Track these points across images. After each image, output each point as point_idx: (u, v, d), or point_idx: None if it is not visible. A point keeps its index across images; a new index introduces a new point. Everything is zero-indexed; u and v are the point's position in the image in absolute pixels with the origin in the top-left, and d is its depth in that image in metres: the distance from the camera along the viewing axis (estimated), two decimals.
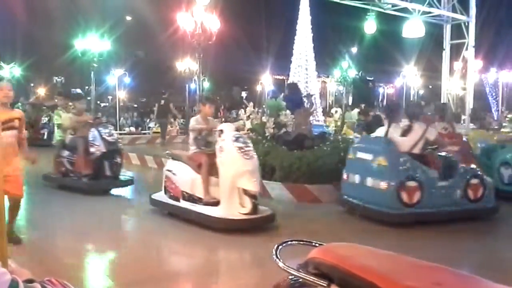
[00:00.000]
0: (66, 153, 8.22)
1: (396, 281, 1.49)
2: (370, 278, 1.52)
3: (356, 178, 6.41)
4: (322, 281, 1.66)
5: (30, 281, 1.27)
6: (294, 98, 10.23)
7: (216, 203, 5.55)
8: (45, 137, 15.61)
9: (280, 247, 1.95)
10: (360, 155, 6.48)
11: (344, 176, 6.69)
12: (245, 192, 5.39)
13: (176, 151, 7.39)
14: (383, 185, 5.94)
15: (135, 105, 35.54)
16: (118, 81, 28.01)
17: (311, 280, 1.70)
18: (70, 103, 8.87)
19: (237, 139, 5.60)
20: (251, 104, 10.89)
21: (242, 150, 5.51)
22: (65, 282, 1.29)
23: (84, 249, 5.01)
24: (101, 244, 5.24)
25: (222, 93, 37.31)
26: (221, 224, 5.33)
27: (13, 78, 30.51)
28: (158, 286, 4.02)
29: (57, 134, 8.59)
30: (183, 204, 5.93)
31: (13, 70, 30.29)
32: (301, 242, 2.06)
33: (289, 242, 2.04)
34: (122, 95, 33.11)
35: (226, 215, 5.37)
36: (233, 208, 5.38)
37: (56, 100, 12.03)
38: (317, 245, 1.97)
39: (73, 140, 8.12)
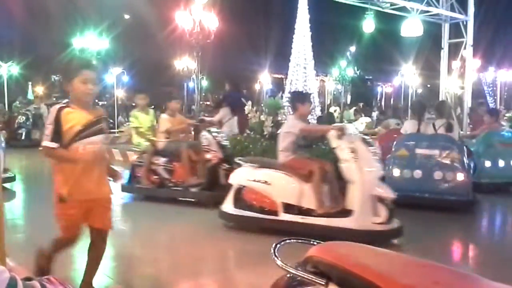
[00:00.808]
0: (161, 160, 7.27)
1: (394, 279, 1.49)
2: (369, 277, 1.52)
3: (417, 173, 6.84)
4: (320, 280, 1.66)
5: (28, 279, 1.27)
6: (234, 96, 10.23)
7: (337, 214, 5.06)
8: (23, 137, 15.27)
9: (278, 245, 1.95)
10: (421, 151, 6.93)
11: (395, 173, 6.94)
12: (380, 199, 4.98)
13: (263, 158, 6.42)
14: (460, 176, 6.66)
15: (133, 104, 35.47)
16: (116, 80, 28.00)
17: (309, 278, 1.70)
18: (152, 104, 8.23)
19: (365, 141, 5.22)
20: (250, 102, 10.88)
21: (374, 153, 5.18)
22: (63, 280, 1.29)
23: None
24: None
25: (221, 91, 37.26)
26: (356, 235, 4.53)
27: (11, 77, 30.45)
28: None
29: (136, 139, 7.53)
30: (285, 217, 5.28)
31: (11, 69, 30.22)
32: (300, 241, 2.07)
33: (288, 241, 2.04)
34: (120, 93, 33.12)
35: (360, 226, 4.90)
36: (367, 218, 4.94)
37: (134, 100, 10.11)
38: (315, 243, 1.97)
39: (170, 146, 7.22)
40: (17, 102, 18.74)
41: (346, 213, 5.03)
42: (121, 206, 7.19)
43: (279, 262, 1.83)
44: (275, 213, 5.33)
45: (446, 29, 12.26)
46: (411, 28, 11.67)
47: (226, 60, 31.91)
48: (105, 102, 34.33)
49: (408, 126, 7.78)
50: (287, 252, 1.91)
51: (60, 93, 45.53)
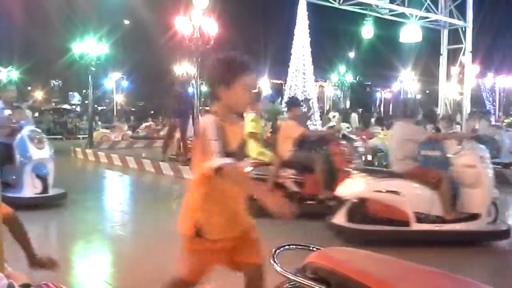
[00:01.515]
0: (289, 171, 6.53)
1: (393, 286, 1.49)
2: (368, 283, 1.52)
3: None
4: (319, 286, 1.66)
5: (26, 285, 1.27)
6: (183, 96, 10.68)
7: (465, 218, 5.13)
8: None
9: (277, 251, 1.95)
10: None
11: None
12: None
13: (367, 167, 6.29)
14: None
15: (133, 109, 35.54)
16: (115, 85, 28.06)
17: (308, 284, 1.70)
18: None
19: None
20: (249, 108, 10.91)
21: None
22: (62, 286, 1.28)
23: None
24: None
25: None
26: (485, 237, 5.20)
27: (10, 82, 30.48)
28: None
29: (257, 148, 6.77)
30: (418, 227, 5.10)
31: (10, 74, 30.26)
32: (299, 246, 2.06)
33: (287, 246, 2.04)
34: (119, 98, 33.21)
35: (484, 227, 5.13)
36: (487, 219, 5.17)
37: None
38: (314, 249, 1.97)
39: (300, 156, 6.57)
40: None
41: (471, 217, 5.11)
42: None
43: (278, 268, 1.82)
44: (406, 224, 5.12)
45: (445, 35, 12.30)
46: (410, 34, 11.71)
47: None
48: (105, 107, 34.44)
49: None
50: (287, 258, 1.91)
51: (60, 98, 45.74)
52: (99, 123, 24.14)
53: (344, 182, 5.51)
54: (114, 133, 19.21)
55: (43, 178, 6.72)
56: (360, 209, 5.23)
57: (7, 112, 6.94)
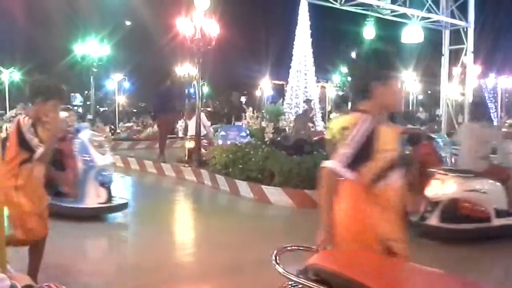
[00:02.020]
0: None
1: (395, 287, 1.49)
2: (370, 284, 1.51)
3: None
4: (321, 287, 1.66)
5: (29, 286, 1.27)
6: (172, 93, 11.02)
7: None
8: None
9: (279, 253, 1.95)
10: None
11: None
12: None
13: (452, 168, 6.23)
14: None
15: (134, 110, 35.56)
16: (117, 86, 28.08)
17: (310, 286, 1.70)
18: None
19: None
20: (250, 109, 10.91)
21: None
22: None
23: None
24: None
25: (221, 97, 37.31)
26: None
27: (13, 83, 30.50)
28: None
29: None
30: (498, 222, 5.44)
31: (12, 75, 30.28)
32: (301, 248, 2.06)
33: (289, 248, 2.04)
34: (121, 100, 33.23)
35: None
36: None
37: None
38: None
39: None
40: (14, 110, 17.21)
41: None
42: None
43: (280, 269, 1.82)
44: (487, 220, 5.45)
45: (446, 36, 12.28)
46: (412, 34, 11.69)
47: (227, 66, 31.98)
48: (106, 108, 34.44)
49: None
50: (287, 258, 1.90)
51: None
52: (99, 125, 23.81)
53: (431, 183, 5.67)
54: None
55: (107, 186, 6.26)
56: (452, 209, 5.45)
57: (63, 114, 6.40)
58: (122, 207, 6.45)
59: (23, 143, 3.33)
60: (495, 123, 22.32)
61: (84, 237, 5.59)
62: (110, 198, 6.29)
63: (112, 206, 6.32)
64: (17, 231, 3.47)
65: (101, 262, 4.90)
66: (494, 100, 26.03)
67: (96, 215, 6.12)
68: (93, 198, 6.11)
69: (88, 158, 6.14)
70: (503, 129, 16.00)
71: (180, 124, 17.04)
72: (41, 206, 3.58)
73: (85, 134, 6.37)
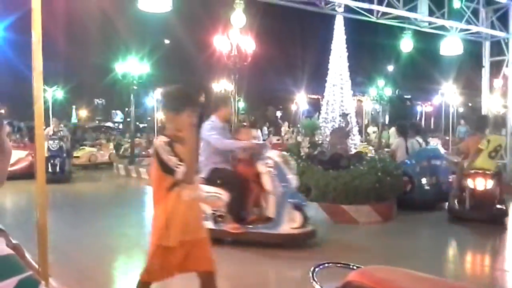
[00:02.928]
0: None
1: None
2: None
3: None
4: None
5: None
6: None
7: None
8: (57, 169, 12.43)
9: (317, 269, 1.93)
10: None
11: None
12: None
13: None
14: None
15: None
16: (156, 103, 28.70)
17: None
18: None
19: None
20: (286, 123, 10.92)
21: None
22: None
23: None
24: None
25: (257, 112, 37.55)
26: None
27: (56, 101, 31.64)
28: None
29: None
30: None
31: (55, 93, 31.47)
32: (339, 265, 2.04)
33: (326, 265, 2.02)
34: (160, 116, 33.96)
35: None
36: None
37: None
38: (355, 267, 1.94)
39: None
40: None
41: None
42: None
43: (317, 287, 1.81)
44: None
45: (487, 47, 11.97)
46: (451, 46, 11.45)
47: (262, 81, 32.21)
48: (146, 125, 35.25)
49: None
50: (325, 275, 1.89)
51: (103, 116, 47.15)
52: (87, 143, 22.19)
53: None
54: (100, 152, 18.27)
55: (301, 209, 5.85)
56: None
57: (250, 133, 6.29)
58: (315, 233, 6.03)
59: (163, 166, 2.93)
60: None
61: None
62: (305, 222, 5.86)
63: (307, 232, 5.90)
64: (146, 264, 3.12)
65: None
66: None
67: (290, 242, 5.76)
68: (288, 223, 5.73)
69: (285, 180, 5.77)
70: None
71: None
72: (191, 235, 3.01)
73: (274, 154, 6.03)
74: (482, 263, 5.65)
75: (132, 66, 16.30)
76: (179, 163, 2.87)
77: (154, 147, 3.02)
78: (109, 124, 37.61)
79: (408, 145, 9.03)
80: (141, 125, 33.50)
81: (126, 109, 30.34)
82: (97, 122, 40.22)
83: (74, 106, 41.82)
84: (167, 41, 32.34)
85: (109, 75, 20.71)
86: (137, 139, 20.68)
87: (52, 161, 12.17)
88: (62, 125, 13.93)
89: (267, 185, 5.68)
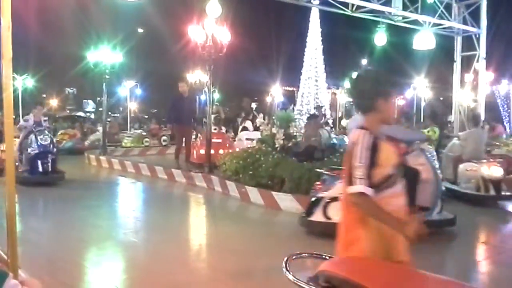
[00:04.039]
0: None
1: None
2: None
3: None
4: None
5: None
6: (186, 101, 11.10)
7: None
8: (49, 168, 9.79)
9: (290, 259, 1.95)
10: None
11: None
12: None
13: None
14: None
15: (146, 116, 35.83)
16: (129, 92, 28.30)
17: None
18: None
19: None
20: (261, 115, 10.93)
21: None
22: None
23: None
24: None
25: (232, 104, 37.42)
26: None
27: (26, 90, 30.85)
28: None
29: None
30: None
31: (26, 82, 30.65)
32: (312, 255, 2.06)
33: (299, 255, 2.03)
34: (133, 106, 33.52)
35: None
36: None
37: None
38: (327, 257, 1.96)
39: None
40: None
41: None
42: None
43: (290, 277, 1.82)
44: None
45: (458, 42, 12.22)
46: (423, 41, 11.65)
47: (238, 73, 32.11)
48: (118, 115, 34.75)
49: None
50: (298, 265, 1.90)
51: (74, 106, 46.25)
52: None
53: None
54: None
55: (443, 198, 6.32)
56: None
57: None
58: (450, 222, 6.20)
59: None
60: (507, 130, 22.09)
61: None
62: (441, 209, 6.17)
63: (449, 218, 6.17)
64: None
65: (108, 267, 4.92)
66: (507, 108, 25.75)
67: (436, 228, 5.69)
68: (436, 211, 6.01)
69: (435, 169, 6.08)
70: None
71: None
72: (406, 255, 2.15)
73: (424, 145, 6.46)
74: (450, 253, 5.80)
75: (104, 55, 15.98)
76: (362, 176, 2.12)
77: (352, 140, 2.28)
78: (81, 113, 36.89)
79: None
80: (113, 115, 33.00)
81: (98, 98, 29.83)
82: (68, 111, 39.41)
83: (44, 95, 40.85)
84: (140, 30, 31.85)
85: (80, 64, 20.26)
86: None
87: (43, 159, 9.66)
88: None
89: (428, 174, 5.66)
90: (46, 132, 10.15)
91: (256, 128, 12.21)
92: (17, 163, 9.37)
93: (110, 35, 18.15)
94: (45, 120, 10.66)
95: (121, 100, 31.94)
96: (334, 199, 5.61)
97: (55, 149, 10.30)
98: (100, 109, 26.38)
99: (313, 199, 6.06)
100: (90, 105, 45.79)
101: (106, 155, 14.89)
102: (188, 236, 6.61)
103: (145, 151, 17.59)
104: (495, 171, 7.92)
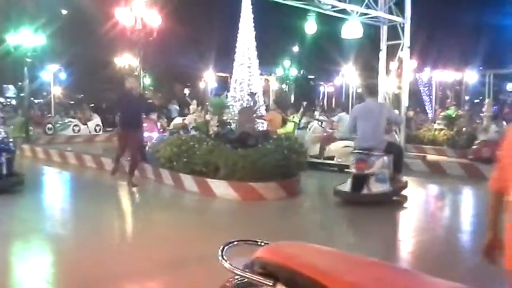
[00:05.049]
0: None
1: (339, 277, 1.53)
2: (315, 276, 1.55)
3: None
4: (268, 281, 1.68)
5: None
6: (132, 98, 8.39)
7: None
8: (3, 170, 7.81)
9: (226, 247, 1.95)
10: None
11: None
12: None
13: None
14: None
15: (71, 102, 34.29)
16: (53, 77, 26.87)
17: (257, 279, 1.71)
18: None
19: None
20: (195, 101, 10.81)
21: None
22: None
23: None
24: None
25: (164, 89, 36.68)
26: None
27: None
28: None
29: None
30: None
31: None
32: (247, 242, 2.07)
33: (235, 242, 2.04)
34: (57, 91, 31.87)
35: None
36: None
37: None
38: (262, 244, 1.98)
39: None
40: None
41: None
42: None
43: (226, 264, 1.82)
44: None
45: (384, 31, 12.69)
46: (351, 30, 11.99)
47: (169, 57, 31.45)
48: (41, 100, 32.92)
49: None
50: (234, 252, 1.91)
51: None
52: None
53: None
54: None
55: None
56: None
57: None
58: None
59: None
60: (429, 115, 23.40)
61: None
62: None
63: None
64: None
65: (36, 261, 4.70)
66: (429, 93, 27.23)
67: None
68: None
69: None
70: (437, 121, 16.87)
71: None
72: None
73: None
74: (379, 234, 6.08)
75: (25, 38, 15.07)
76: None
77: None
78: (1, 99, 34.56)
79: None
80: (36, 101, 31.23)
81: (20, 83, 28.04)
82: None
83: None
84: (64, 12, 30.22)
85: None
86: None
87: None
88: None
89: None
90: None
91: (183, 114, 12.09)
92: None
93: (32, 16, 17.10)
94: None
95: (45, 85, 30.23)
96: (372, 174, 7.03)
97: (12, 147, 8.21)
98: (22, 94, 24.86)
99: (357, 176, 7.08)
100: (11, 91, 42.97)
101: (29, 143, 14.14)
102: (120, 225, 6.45)
103: (72, 139, 16.90)
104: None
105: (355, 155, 7.27)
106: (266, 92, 29.03)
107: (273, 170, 7.56)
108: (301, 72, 40.32)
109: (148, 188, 8.79)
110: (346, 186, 7.19)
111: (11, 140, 8.34)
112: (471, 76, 27.03)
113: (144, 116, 9.63)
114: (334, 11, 11.72)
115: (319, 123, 12.14)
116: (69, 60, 30.44)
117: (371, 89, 8.42)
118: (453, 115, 16.18)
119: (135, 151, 8.63)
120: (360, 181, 7.03)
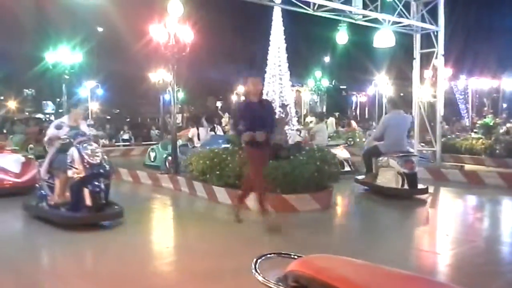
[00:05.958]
0: None
1: None
2: None
3: None
4: None
5: None
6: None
7: None
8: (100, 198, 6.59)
9: (259, 260, 1.94)
10: None
11: None
12: None
13: None
14: None
15: (108, 117, 35.14)
16: (90, 93, 27.69)
17: None
18: None
19: None
20: (227, 114, 10.91)
21: None
22: None
23: None
24: None
25: (197, 102, 37.21)
26: None
27: None
28: None
29: None
30: None
31: None
32: (280, 255, 2.06)
33: (268, 255, 2.03)
34: (94, 106, 32.80)
35: None
36: None
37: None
38: (296, 257, 1.97)
39: None
40: None
41: None
42: None
43: (259, 278, 1.82)
44: None
45: (417, 40, 12.51)
46: (383, 39, 11.88)
47: (202, 72, 31.92)
48: None
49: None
50: (267, 265, 1.90)
51: (33, 108, 44.82)
52: None
53: None
54: None
55: None
56: None
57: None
58: None
59: None
60: (466, 123, 22.83)
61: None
62: None
63: None
64: None
65: (75, 271, 4.80)
66: (465, 102, 26.61)
67: None
68: None
69: None
70: (475, 130, 16.44)
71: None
72: None
73: None
74: (416, 247, 5.93)
75: (63, 55, 15.60)
76: None
77: None
78: (40, 115, 35.77)
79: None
80: None
81: (58, 99, 28.98)
82: (27, 113, 38.20)
83: (1, 97, 39.47)
84: (100, 29, 31.18)
85: (39, 65, 19.69)
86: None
87: (92, 185, 6.43)
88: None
89: None
90: (94, 144, 6.77)
91: (212, 129, 12.41)
92: (43, 192, 6.94)
93: (69, 35, 17.74)
94: (89, 126, 7.73)
95: (82, 101, 31.17)
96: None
97: (108, 169, 6.69)
98: (60, 110, 25.67)
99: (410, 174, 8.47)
100: (49, 107, 44.47)
101: None
102: (154, 238, 6.52)
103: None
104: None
105: (401, 158, 8.50)
106: (297, 103, 29.02)
107: (306, 182, 7.50)
108: (333, 83, 40.15)
109: (182, 201, 8.87)
110: (392, 183, 8.55)
111: (108, 161, 6.85)
112: (508, 83, 26.28)
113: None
114: (366, 20, 11.64)
115: (298, 132, 12.44)
116: (105, 76, 31.32)
117: (394, 103, 9.75)
118: (491, 124, 15.76)
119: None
120: (413, 178, 8.50)
